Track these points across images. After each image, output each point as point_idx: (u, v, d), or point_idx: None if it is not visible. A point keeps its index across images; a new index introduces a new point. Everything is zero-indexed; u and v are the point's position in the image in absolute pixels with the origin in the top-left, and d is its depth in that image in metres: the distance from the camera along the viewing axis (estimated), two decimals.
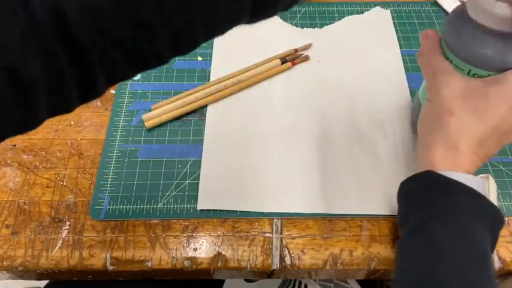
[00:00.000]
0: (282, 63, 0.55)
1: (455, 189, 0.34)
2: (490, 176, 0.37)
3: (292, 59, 0.55)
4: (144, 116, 0.50)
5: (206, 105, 0.52)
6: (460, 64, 0.38)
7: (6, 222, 0.43)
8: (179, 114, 0.51)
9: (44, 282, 0.58)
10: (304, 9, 0.62)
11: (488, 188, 0.36)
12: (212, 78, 0.54)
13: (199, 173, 0.46)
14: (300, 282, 0.62)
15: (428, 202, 0.35)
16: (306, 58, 0.56)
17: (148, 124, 0.50)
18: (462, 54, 0.37)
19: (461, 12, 0.37)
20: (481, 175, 0.37)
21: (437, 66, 0.39)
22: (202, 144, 0.48)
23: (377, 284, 0.71)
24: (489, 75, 0.37)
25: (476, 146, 0.36)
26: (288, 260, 0.41)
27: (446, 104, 0.37)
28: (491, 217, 0.34)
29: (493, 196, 0.36)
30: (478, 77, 0.37)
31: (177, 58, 0.56)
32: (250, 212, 0.44)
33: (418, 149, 0.40)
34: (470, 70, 0.37)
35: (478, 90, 0.36)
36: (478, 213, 0.34)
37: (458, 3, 0.62)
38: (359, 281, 0.63)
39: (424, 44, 0.41)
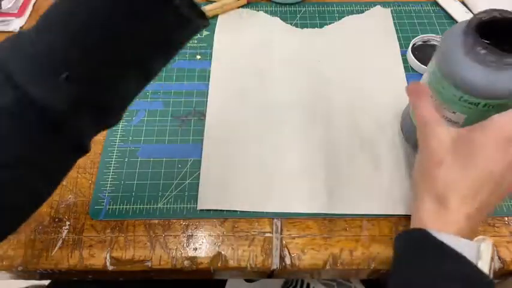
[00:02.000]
0: None
1: (443, 253, 0.32)
2: (487, 239, 0.33)
3: None
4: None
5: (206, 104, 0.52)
6: (452, 90, 0.37)
7: None
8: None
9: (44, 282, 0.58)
10: (304, 9, 0.62)
11: (480, 252, 0.32)
12: (212, 78, 0.54)
13: (199, 173, 0.46)
14: (303, 282, 0.62)
15: (416, 264, 0.33)
16: None
17: (210, 13, 0.59)
18: (453, 81, 0.37)
19: (452, 39, 0.37)
20: (477, 237, 0.34)
21: (426, 118, 0.38)
22: (202, 144, 0.48)
23: (381, 283, 0.70)
24: (479, 103, 0.37)
25: (468, 199, 0.34)
26: (288, 260, 0.41)
27: (434, 156, 0.36)
28: (479, 286, 0.32)
29: (485, 261, 0.32)
30: (469, 104, 0.37)
31: (177, 58, 0.56)
32: (250, 212, 0.44)
33: (413, 198, 0.39)
34: (461, 97, 0.37)
35: (464, 139, 0.35)
36: (464, 282, 0.31)
37: (458, 3, 0.62)
38: (362, 281, 0.63)
39: (412, 98, 0.40)
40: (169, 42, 0.30)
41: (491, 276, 0.33)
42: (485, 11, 0.37)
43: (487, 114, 0.36)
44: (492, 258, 0.33)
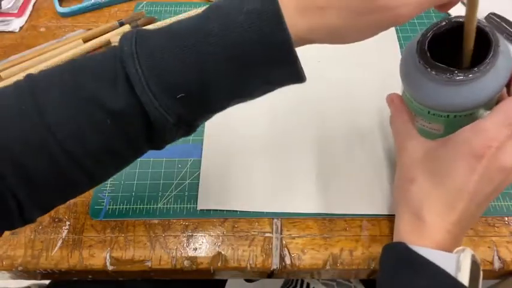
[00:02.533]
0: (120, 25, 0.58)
1: (421, 268, 0.32)
2: (467, 249, 0.33)
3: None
4: None
5: None
6: (419, 105, 0.37)
7: None
8: None
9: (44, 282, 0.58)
10: None
11: (459, 263, 0.32)
12: None
13: (199, 173, 0.46)
14: (303, 282, 0.62)
15: (396, 279, 0.33)
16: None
17: None
18: (415, 98, 0.37)
19: (408, 56, 0.37)
20: (457, 249, 0.33)
21: (400, 131, 0.38)
22: (202, 144, 0.48)
23: None
24: (448, 115, 0.36)
25: (444, 213, 0.33)
26: (287, 260, 0.41)
27: (407, 170, 0.36)
28: None
29: (464, 272, 0.31)
30: (439, 116, 0.36)
31: None
32: (250, 212, 0.44)
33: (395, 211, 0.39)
34: (429, 111, 0.36)
35: (433, 155, 0.35)
36: None
37: (458, 3, 0.61)
38: (362, 281, 0.63)
39: (390, 109, 0.40)
40: (272, 90, 0.33)
41: (481, 279, 0.33)
42: (436, 24, 0.36)
43: (465, 122, 0.34)
44: (475, 265, 0.32)
